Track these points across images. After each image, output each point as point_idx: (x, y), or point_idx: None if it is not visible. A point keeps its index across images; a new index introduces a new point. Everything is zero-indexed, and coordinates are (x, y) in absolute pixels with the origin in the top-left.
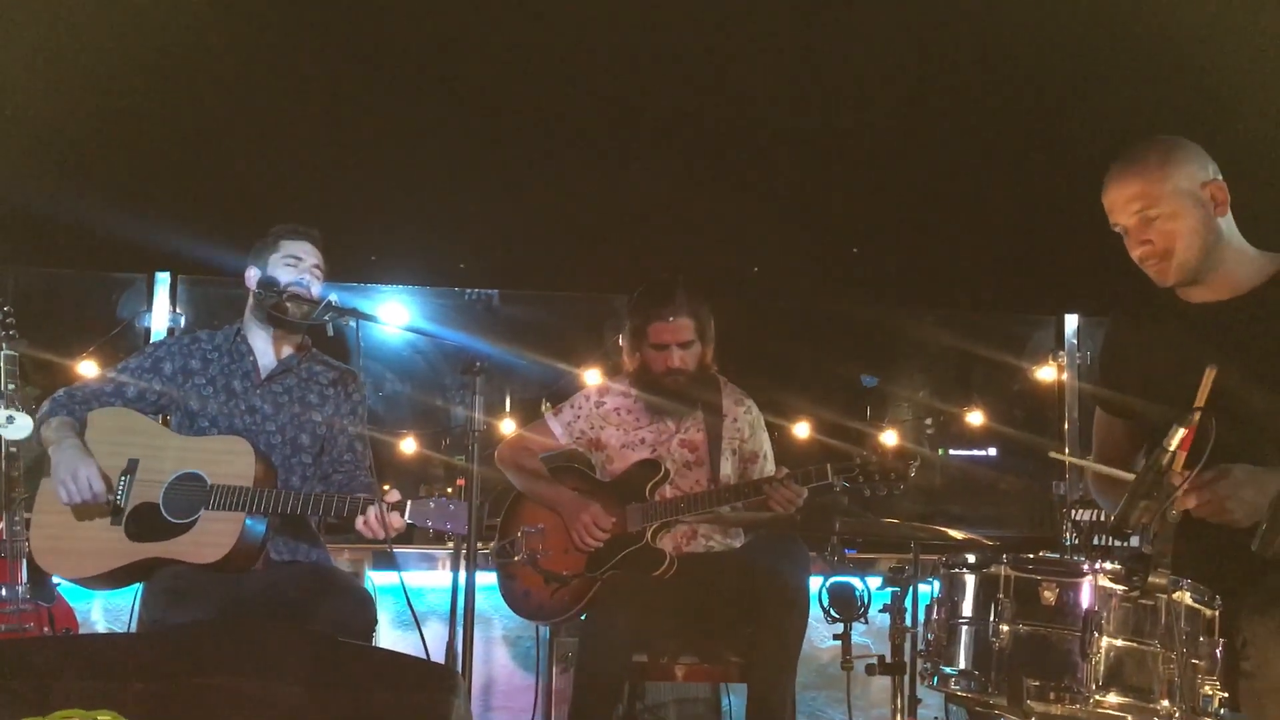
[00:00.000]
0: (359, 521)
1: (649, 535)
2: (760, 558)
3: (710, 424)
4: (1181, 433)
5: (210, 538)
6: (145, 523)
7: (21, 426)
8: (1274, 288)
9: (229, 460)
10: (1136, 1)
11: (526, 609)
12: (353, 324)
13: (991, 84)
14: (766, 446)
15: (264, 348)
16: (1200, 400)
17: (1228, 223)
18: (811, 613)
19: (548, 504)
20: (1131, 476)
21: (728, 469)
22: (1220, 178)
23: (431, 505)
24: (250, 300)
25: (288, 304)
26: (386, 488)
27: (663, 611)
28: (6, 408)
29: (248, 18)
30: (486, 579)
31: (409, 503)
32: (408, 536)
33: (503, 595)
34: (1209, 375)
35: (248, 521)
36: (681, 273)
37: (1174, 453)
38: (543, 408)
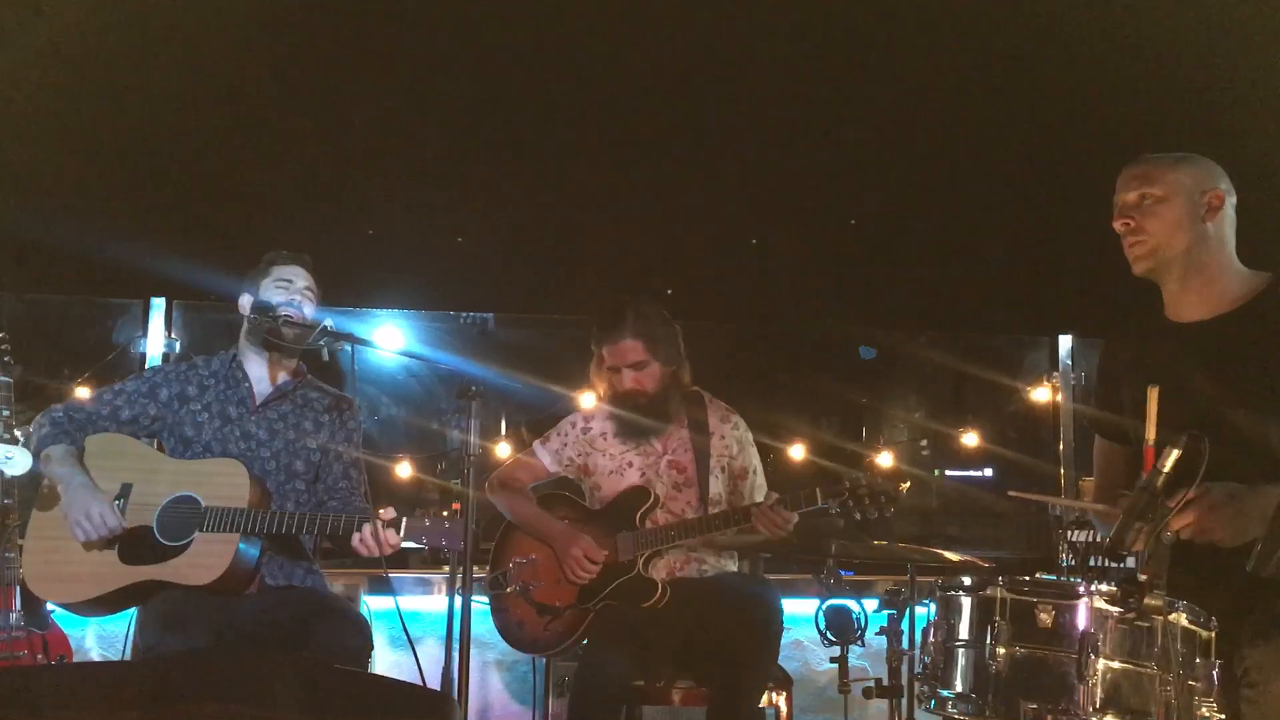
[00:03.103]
0: (355, 539)
1: (640, 564)
2: (739, 583)
3: (697, 443)
4: (1175, 454)
5: (204, 559)
6: (139, 546)
7: (20, 463)
8: (1257, 305)
9: (224, 482)
10: (1135, 26)
11: (521, 641)
12: (347, 349)
13: (986, 106)
14: (756, 462)
15: (259, 374)
16: (1149, 419)
17: (1216, 231)
18: (808, 635)
19: (539, 536)
20: (1100, 508)
21: (718, 488)
22: (1224, 191)
23: (426, 523)
24: (245, 326)
25: (283, 328)
26: (381, 513)
27: (659, 639)
28: (4, 440)
29: (241, 45)
30: (483, 603)
31: (404, 520)
32: (403, 560)
33: (496, 627)
34: (1152, 395)
35: (242, 544)
36: (642, 294)
37: (1167, 474)
38: (522, 434)
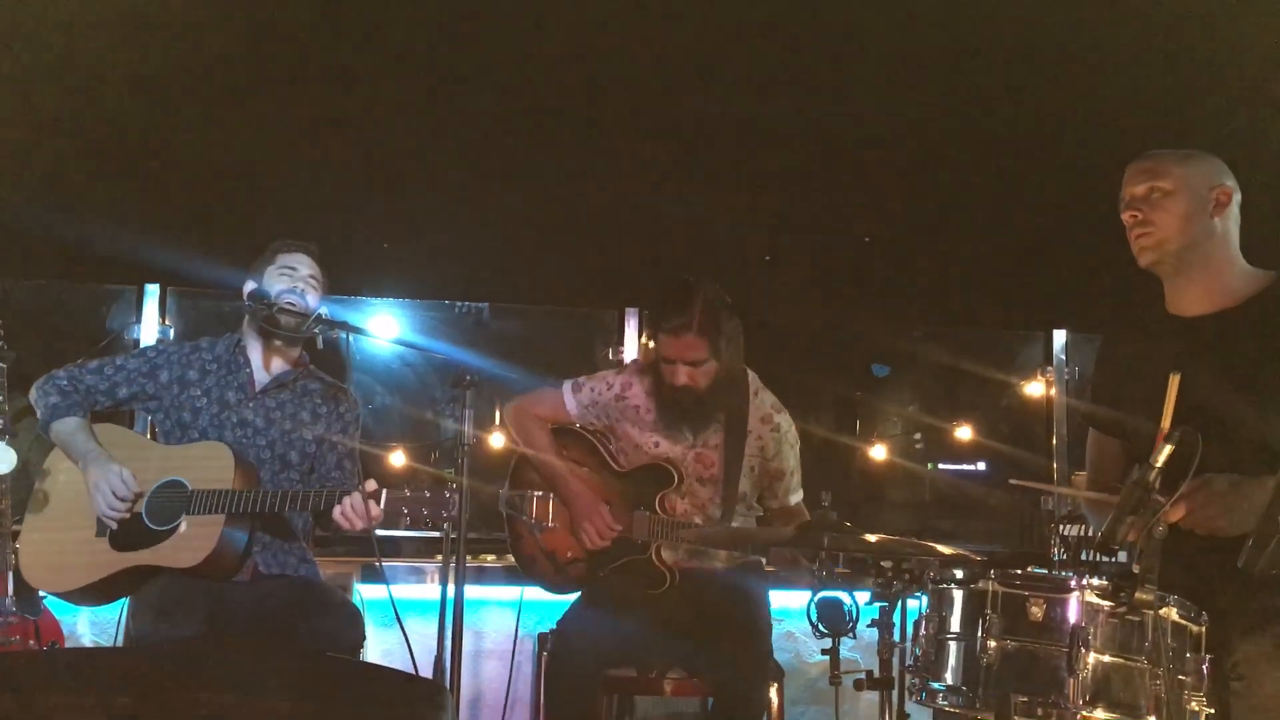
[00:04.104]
0: (336, 511)
1: (653, 552)
2: (742, 579)
3: (730, 443)
4: (1169, 448)
5: (191, 541)
6: (129, 533)
7: (6, 460)
8: (1261, 301)
9: (209, 465)
10: (1131, 24)
11: (531, 574)
12: (344, 337)
13: (983, 102)
14: (794, 464)
15: (260, 361)
16: (1168, 406)
17: (1223, 227)
18: (800, 627)
19: (557, 490)
20: (1101, 496)
21: (745, 486)
22: (1231, 188)
23: (408, 493)
24: (247, 313)
25: (278, 316)
26: (363, 485)
27: (654, 624)
28: None
29: (238, 32)
30: (475, 592)
31: (385, 491)
32: (396, 549)
33: (510, 548)
34: (1173, 381)
35: (227, 525)
36: (704, 277)
37: (1160, 469)
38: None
